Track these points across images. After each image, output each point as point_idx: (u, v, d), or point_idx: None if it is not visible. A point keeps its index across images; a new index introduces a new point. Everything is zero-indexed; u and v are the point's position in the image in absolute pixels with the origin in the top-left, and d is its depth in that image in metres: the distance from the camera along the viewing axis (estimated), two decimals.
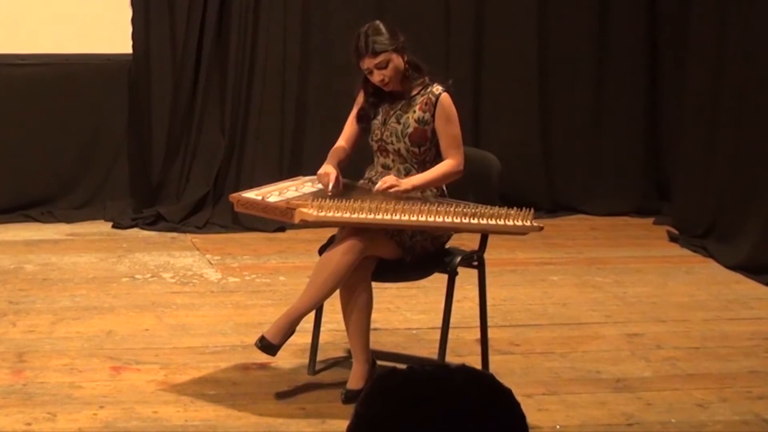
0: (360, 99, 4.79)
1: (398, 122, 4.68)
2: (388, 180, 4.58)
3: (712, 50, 7.07)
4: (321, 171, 4.71)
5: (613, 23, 7.83)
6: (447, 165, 4.64)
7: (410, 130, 4.66)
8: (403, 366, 1.79)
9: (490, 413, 1.70)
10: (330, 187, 4.61)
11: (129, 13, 7.24)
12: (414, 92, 4.69)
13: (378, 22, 4.68)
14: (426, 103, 4.66)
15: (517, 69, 7.72)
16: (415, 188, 4.60)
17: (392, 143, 4.69)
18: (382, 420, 1.70)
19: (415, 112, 4.66)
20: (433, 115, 4.65)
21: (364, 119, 4.76)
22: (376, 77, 4.62)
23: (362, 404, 1.74)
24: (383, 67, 4.60)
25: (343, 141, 4.82)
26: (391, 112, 4.70)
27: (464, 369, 1.75)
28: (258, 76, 7.38)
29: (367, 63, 4.61)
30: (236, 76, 7.36)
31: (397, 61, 4.62)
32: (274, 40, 7.38)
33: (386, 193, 4.53)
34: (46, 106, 7.27)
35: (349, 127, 4.82)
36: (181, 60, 7.31)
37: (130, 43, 7.27)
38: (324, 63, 7.46)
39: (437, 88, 4.67)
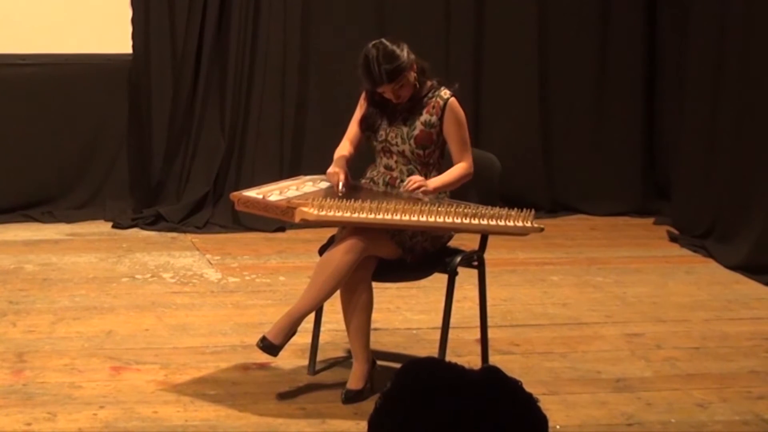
0: (363, 102, 4.78)
1: (404, 124, 4.67)
2: (416, 180, 4.58)
3: (712, 50, 7.07)
4: (330, 170, 4.71)
5: (613, 24, 7.82)
6: (461, 168, 4.66)
7: (416, 132, 4.65)
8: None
9: (509, 416, 1.70)
10: (340, 186, 4.61)
11: (129, 13, 7.24)
12: (421, 94, 4.68)
13: (385, 43, 4.60)
14: (434, 107, 4.66)
15: (517, 70, 7.72)
16: (436, 190, 4.61)
17: (397, 144, 4.68)
18: (400, 413, 1.70)
19: (422, 114, 4.66)
20: (440, 119, 4.65)
21: (368, 128, 4.74)
22: (394, 97, 4.62)
23: (386, 397, 1.75)
24: (400, 86, 4.60)
25: (347, 141, 4.81)
26: (398, 114, 4.69)
27: (490, 370, 1.75)
28: (258, 76, 7.38)
29: (386, 90, 4.60)
30: (236, 76, 7.35)
31: (411, 75, 4.61)
32: (274, 41, 7.37)
33: (413, 193, 4.53)
34: (46, 106, 7.27)
35: (353, 128, 4.81)
36: (181, 60, 7.31)
37: (130, 43, 7.27)
38: (324, 63, 7.46)
39: (445, 92, 4.67)
